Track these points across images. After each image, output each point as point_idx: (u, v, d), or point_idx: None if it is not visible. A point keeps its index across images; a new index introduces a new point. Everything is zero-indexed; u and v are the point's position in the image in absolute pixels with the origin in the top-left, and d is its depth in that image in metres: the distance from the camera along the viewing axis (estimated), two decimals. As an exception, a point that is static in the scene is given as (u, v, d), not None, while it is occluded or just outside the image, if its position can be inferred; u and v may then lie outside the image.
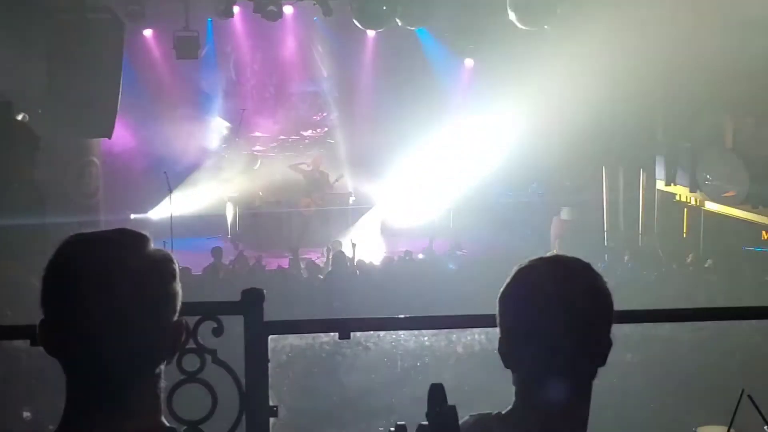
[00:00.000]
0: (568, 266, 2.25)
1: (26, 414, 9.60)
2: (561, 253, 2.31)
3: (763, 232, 17.23)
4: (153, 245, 2.01)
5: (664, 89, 17.51)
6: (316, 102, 22.73)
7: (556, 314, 2.18)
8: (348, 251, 16.94)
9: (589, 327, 2.20)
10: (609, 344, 2.24)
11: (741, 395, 2.90)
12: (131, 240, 1.99)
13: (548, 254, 2.31)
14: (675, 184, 18.48)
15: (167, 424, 2.02)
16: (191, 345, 3.02)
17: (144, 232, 2.02)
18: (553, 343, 2.19)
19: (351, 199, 20.91)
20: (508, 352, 2.27)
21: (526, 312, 2.21)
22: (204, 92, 21.86)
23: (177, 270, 2.01)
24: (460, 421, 2.10)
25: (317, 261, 17.42)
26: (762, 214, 16.69)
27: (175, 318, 2.01)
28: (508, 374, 2.32)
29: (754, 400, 2.91)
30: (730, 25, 14.93)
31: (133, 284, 1.92)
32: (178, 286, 2.01)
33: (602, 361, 2.25)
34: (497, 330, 2.31)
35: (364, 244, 17.43)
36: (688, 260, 16.45)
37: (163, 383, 2.03)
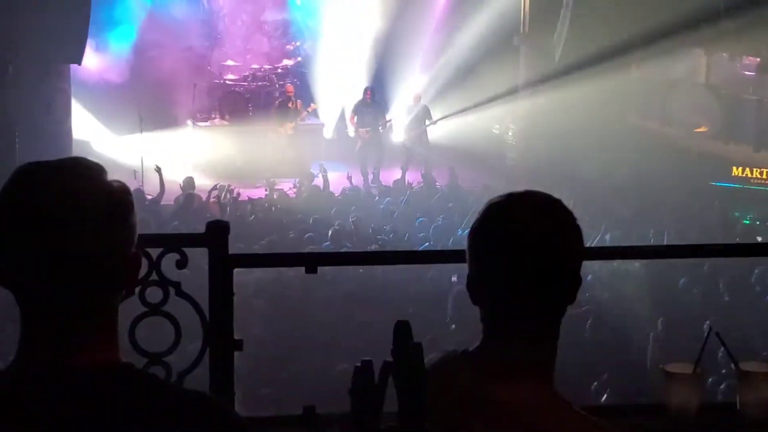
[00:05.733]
0: (540, 202, 2.22)
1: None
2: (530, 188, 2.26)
3: (733, 168, 17.30)
4: (108, 176, 1.95)
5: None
6: (288, 31, 22.45)
7: (528, 250, 2.15)
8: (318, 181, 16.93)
9: (560, 263, 2.18)
10: (579, 281, 2.22)
11: (708, 333, 2.89)
12: (86, 169, 1.92)
13: (518, 190, 2.26)
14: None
15: (122, 360, 1.97)
16: (154, 277, 2.98)
17: (99, 162, 1.96)
18: (524, 279, 2.16)
19: (324, 129, 20.80)
20: (477, 288, 2.23)
21: (498, 247, 2.18)
22: (176, 20, 21.51)
23: (133, 202, 1.96)
24: (426, 359, 2.07)
25: (290, 192, 17.35)
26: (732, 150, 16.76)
27: (132, 250, 1.96)
28: (476, 311, 2.28)
29: (722, 338, 2.90)
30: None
31: (87, 215, 1.86)
32: (135, 218, 1.95)
33: (572, 299, 2.22)
34: (466, 266, 2.27)
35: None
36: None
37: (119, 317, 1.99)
